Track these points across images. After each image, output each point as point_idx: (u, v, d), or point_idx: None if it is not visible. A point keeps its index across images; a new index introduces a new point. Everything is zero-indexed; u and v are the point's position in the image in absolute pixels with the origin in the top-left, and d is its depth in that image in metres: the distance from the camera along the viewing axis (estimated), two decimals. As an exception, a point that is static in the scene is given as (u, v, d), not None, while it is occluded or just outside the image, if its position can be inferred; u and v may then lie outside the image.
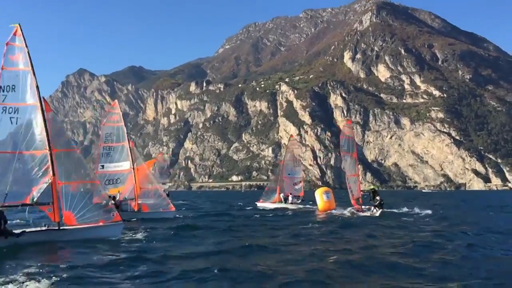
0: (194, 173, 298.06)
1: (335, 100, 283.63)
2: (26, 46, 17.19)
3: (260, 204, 46.20)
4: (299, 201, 44.99)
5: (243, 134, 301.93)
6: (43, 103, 17.26)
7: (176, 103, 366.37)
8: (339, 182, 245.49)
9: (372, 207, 31.81)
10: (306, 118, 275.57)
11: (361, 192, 35.31)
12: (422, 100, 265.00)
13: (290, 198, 44.52)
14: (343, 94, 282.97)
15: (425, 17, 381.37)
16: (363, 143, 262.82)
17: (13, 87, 16.70)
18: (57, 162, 16.99)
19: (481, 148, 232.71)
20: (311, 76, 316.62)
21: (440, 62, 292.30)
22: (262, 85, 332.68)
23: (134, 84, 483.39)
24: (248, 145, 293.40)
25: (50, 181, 16.69)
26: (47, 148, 16.75)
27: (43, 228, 16.90)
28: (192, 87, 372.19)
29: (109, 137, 30.68)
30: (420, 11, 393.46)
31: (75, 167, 17.89)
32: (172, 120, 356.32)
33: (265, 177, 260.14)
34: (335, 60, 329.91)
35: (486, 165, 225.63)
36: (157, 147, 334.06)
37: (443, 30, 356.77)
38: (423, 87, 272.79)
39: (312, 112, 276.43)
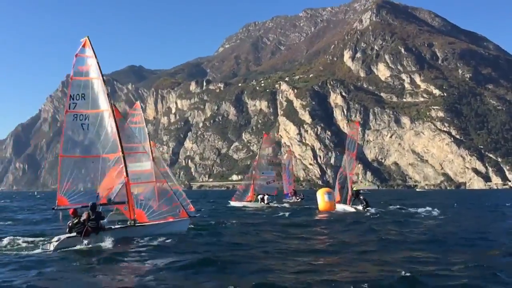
0: (194, 173, 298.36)
1: (335, 99, 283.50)
2: (95, 57, 18.15)
3: (232, 203, 46.76)
4: (274, 201, 45.48)
5: (243, 133, 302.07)
6: (113, 109, 18.26)
7: (176, 103, 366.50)
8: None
9: (361, 207, 34.74)
10: (306, 117, 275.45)
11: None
12: (422, 99, 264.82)
13: (266, 198, 44.60)
14: (343, 93, 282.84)
15: (425, 16, 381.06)
16: (363, 142, 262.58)
17: (83, 95, 17.77)
18: (130, 163, 18.46)
19: (481, 147, 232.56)
20: (311, 75, 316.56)
21: (440, 61, 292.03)
22: (262, 84, 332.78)
23: (134, 83, 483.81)
24: (248, 144, 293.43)
25: (124, 181, 17.94)
26: (120, 151, 17.96)
27: (124, 225, 18.24)
28: (192, 87, 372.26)
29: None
30: (420, 10, 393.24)
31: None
32: (172, 119, 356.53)
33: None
34: (335, 59, 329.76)
35: (486, 164, 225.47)
36: (158, 146, 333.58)
37: (443, 29, 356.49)
38: (423, 86, 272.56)
39: (312, 111, 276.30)
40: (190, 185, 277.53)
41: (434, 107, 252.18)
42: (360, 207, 34.81)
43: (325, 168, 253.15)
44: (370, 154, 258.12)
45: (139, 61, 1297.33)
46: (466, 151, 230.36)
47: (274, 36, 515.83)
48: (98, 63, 18.14)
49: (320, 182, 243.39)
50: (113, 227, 17.91)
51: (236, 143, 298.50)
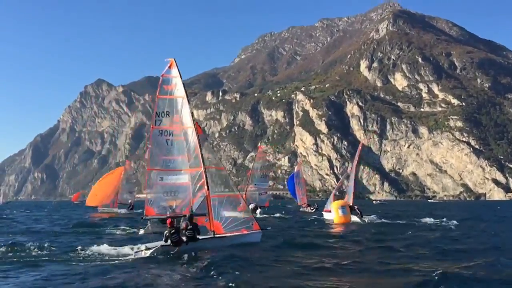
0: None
1: (352, 109, 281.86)
2: (181, 77, 19.88)
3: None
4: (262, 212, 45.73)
5: (259, 144, 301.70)
6: (196, 127, 19.76)
7: (192, 113, 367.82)
8: (356, 191, 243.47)
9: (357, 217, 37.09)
10: (322, 127, 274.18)
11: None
12: (440, 109, 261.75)
13: (258, 212, 44.75)
14: (360, 103, 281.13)
15: (442, 25, 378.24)
16: (380, 152, 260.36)
17: (168, 112, 19.40)
18: (209, 178, 19.53)
19: (501, 157, 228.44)
20: (327, 85, 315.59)
21: (458, 71, 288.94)
22: (278, 94, 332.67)
23: (151, 94, 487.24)
24: (264, 154, 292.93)
25: (205, 195, 19.15)
26: (202, 166, 19.39)
27: (207, 236, 19.06)
28: (208, 97, 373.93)
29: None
30: (437, 19, 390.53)
31: (222, 182, 20.71)
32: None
33: (281, 187, 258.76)
34: (352, 69, 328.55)
35: (507, 175, 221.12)
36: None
37: (461, 38, 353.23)
38: (441, 95, 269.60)
39: (328, 121, 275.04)
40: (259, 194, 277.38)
41: (453, 117, 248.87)
42: (357, 218, 36.95)
43: (341, 178, 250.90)
44: (387, 164, 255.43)
45: (156, 71, 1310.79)
46: (485, 162, 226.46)
47: (290, 46, 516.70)
48: (183, 83, 19.93)
49: (337, 193, 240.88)
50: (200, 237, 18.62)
51: (252, 153, 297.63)
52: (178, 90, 19.62)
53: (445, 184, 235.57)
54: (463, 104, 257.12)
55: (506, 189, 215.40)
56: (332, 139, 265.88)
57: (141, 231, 27.23)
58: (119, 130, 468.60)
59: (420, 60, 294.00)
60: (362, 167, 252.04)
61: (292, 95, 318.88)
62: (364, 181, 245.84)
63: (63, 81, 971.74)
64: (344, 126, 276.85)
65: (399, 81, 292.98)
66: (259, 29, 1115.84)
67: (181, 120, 19.51)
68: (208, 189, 19.25)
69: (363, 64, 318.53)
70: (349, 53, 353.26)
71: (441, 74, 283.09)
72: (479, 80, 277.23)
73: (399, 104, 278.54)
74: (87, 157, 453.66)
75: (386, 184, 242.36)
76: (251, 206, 45.38)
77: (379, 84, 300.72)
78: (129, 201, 56.24)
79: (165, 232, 17.54)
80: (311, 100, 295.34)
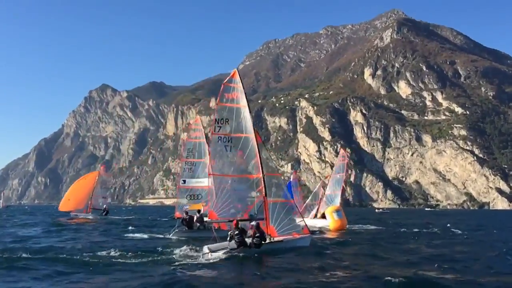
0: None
1: (355, 116, 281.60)
2: (243, 87, 21.07)
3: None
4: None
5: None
6: (256, 135, 20.58)
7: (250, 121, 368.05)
8: (358, 199, 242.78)
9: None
10: (325, 134, 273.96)
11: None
12: (444, 117, 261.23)
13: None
14: (363, 111, 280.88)
15: (447, 33, 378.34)
16: (383, 160, 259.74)
17: (227, 120, 20.25)
18: (266, 184, 20.28)
19: (505, 166, 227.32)
20: (331, 92, 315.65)
21: (462, 79, 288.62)
22: (282, 101, 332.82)
23: (155, 99, 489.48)
24: (267, 161, 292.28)
25: (263, 200, 20.08)
26: (261, 172, 20.29)
27: (269, 241, 19.77)
28: (212, 103, 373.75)
29: (191, 153, 32.99)
30: (442, 27, 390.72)
31: (278, 188, 21.03)
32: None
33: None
34: (355, 76, 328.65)
35: (511, 184, 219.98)
36: (177, 162, 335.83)
37: (465, 46, 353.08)
38: (445, 104, 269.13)
39: (332, 128, 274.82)
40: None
41: (457, 125, 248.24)
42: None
43: (344, 186, 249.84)
44: (390, 172, 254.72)
45: (160, 77, 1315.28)
46: (489, 171, 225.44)
47: (294, 53, 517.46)
48: (245, 93, 21.07)
49: (340, 200, 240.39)
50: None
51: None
52: (239, 99, 20.60)
53: (448, 192, 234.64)
54: (467, 112, 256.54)
55: (510, 198, 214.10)
56: (335, 147, 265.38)
57: (171, 235, 28.07)
58: (123, 135, 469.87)
59: (424, 68, 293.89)
60: (365, 174, 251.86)
61: (296, 102, 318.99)
62: (367, 189, 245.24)
63: (67, 86, 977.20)
64: (348, 133, 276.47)
65: (403, 89, 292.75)
66: (264, 35, 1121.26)
67: (241, 128, 20.30)
68: (265, 195, 20.16)
69: (367, 72, 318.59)
70: (353, 60, 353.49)
71: (445, 82, 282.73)
72: (483, 89, 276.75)
73: (402, 112, 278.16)
74: (91, 161, 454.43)
75: (389, 192, 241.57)
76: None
77: (383, 92, 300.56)
78: (104, 206, 55.70)
79: (229, 232, 18.69)
80: (315, 107, 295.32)
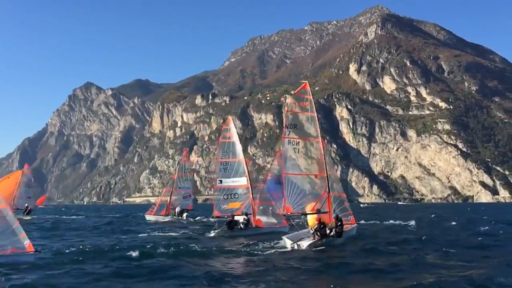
0: (200, 186, 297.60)
1: (341, 112, 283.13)
2: (312, 98, 24.10)
3: (149, 217, 47.66)
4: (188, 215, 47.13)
5: (249, 147, 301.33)
6: (321, 139, 23.42)
7: (182, 116, 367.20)
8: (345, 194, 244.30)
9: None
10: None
11: None
12: (428, 112, 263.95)
13: (185, 215, 46.43)
14: (349, 106, 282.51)
15: (430, 29, 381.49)
16: (369, 155, 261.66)
17: (295, 125, 23.40)
18: (330, 181, 23.15)
19: (489, 160, 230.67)
20: (316, 88, 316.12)
21: (446, 74, 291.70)
22: (268, 98, 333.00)
23: (140, 97, 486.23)
24: (254, 157, 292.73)
25: (326, 196, 22.73)
26: (325, 171, 23.11)
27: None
28: (198, 100, 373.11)
29: (225, 153, 33.23)
30: (425, 23, 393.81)
31: (337, 183, 24.69)
32: (178, 133, 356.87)
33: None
34: (341, 72, 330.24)
35: (494, 177, 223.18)
36: (163, 160, 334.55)
37: (448, 42, 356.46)
38: (429, 99, 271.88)
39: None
40: (195, 199, 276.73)
41: (441, 120, 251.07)
42: None
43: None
44: (376, 167, 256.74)
45: (145, 75, 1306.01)
46: (473, 164, 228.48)
47: (280, 50, 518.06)
48: (314, 103, 24.09)
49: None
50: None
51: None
52: (309, 108, 23.51)
53: (433, 186, 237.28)
54: (451, 107, 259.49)
55: (493, 191, 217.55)
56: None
57: (212, 233, 29.49)
58: (108, 133, 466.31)
59: (408, 63, 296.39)
60: (351, 170, 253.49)
61: (282, 98, 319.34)
62: (353, 184, 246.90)
63: (51, 84, 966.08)
64: (333, 129, 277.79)
65: (388, 85, 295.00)
66: (249, 32, 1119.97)
67: (306, 132, 23.15)
68: (329, 191, 22.94)
69: (352, 68, 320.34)
70: (338, 56, 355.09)
71: (429, 77, 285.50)
72: (466, 84, 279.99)
73: (387, 107, 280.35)
74: (76, 160, 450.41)
75: (375, 187, 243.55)
76: (177, 209, 46.93)
77: (368, 87, 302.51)
78: (26, 205, 54.61)
79: (315, 226, 21.27)
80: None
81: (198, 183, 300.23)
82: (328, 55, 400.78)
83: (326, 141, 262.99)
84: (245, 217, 30.70)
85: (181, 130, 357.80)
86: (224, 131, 33.20)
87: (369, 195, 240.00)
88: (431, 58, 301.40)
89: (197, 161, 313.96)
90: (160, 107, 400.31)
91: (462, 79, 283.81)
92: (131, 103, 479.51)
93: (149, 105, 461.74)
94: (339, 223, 21.56)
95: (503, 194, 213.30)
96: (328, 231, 21.30)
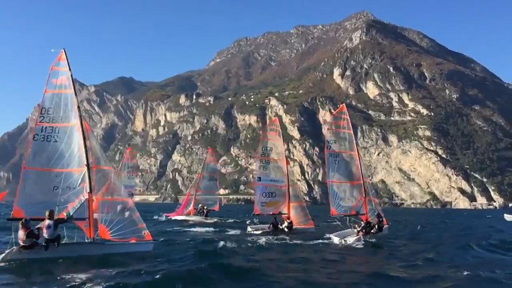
0: (182, 186, 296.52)
1: (324, 115, 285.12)
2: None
3: (175, 217, 46.73)
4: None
5: (232, 148, 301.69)
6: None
7: (165, 115, 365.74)
8: (326, 197, 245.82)
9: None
10: (295, 133, 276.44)
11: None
12: (409, 118, 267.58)
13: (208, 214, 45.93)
14: (332, 110, 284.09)
15: (413, 36, 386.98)
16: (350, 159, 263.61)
17: (335, 141, 26.12)
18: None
19: (467, 167, 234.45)
20: (300, 91, 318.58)
21: (427, 81, 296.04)
22: (252, 99, 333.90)
23: (123, 95, 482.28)
24: (237, 158, 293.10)
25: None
26: (361, 179, 25.59)
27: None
28: (182, 100, 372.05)
29: (266, 152, 33.93)
30: (409, 30, 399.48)
31: (371, 190, 27.61)
32: (161, 131, 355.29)
33: (252, 191, 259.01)
34: (325, 76, 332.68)
35: (472, 184, 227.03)
36: (145, 159, 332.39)
37: (431, 49, 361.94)
38: (411, 105, 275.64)
39: (301, 127, 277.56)
40: (177, 198, 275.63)
41: (421, 126, 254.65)
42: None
43: (312, 184, 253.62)
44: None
45: (129, 72, 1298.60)
46: (452, 171, 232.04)
47: (265, 52, 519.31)
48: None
49: (307, 198, 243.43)
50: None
51: (224, 157, 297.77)
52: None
53: (412, 192, 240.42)
54: (432, 114, 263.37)
55: (471, 198, 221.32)
56: (304, 145, 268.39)
57: (249, 228, 30.75)
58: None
59: (391, 69, 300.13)
60: (332, 173, 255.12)
61: (266, 100, 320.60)
62: (335, 188, 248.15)
63: (32, 79, 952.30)
64: (316, 132, 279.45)
65: (371, 90, 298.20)
66: (235, 33, 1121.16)
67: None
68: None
69: (336, 72, 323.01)
70: (323, 60, 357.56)
71: (411, 84, 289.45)
72: (447, 91, 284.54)
73: (370, 112, 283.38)
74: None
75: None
76: (203, 208, 46.14)
77: (351, 92, 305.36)
78: None
79: (363, 225, 24.79)
80: (285, 106, 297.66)
81: (179, 182, 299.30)
82: (313, 58, 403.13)
83: (308, 144, 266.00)
84: (288, 220, 31.20)
85: (164, 129, 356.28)
86: (268, 130, 34.33)
87: (350, 199, 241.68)
88: (414, 65, 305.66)
89: (179, 161, 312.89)
90: (144, 105, 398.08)
91: (443, 86, 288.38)
92: (114, 101, 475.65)
93: (132, 103, 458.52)
94: (381, 219, 26.10)
95: (481, 201, 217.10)
96: (372, 229, 25.00)
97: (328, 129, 27.86)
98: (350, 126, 27.50)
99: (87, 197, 17.61)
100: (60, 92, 18.64)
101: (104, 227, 18.05)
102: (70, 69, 18.91)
